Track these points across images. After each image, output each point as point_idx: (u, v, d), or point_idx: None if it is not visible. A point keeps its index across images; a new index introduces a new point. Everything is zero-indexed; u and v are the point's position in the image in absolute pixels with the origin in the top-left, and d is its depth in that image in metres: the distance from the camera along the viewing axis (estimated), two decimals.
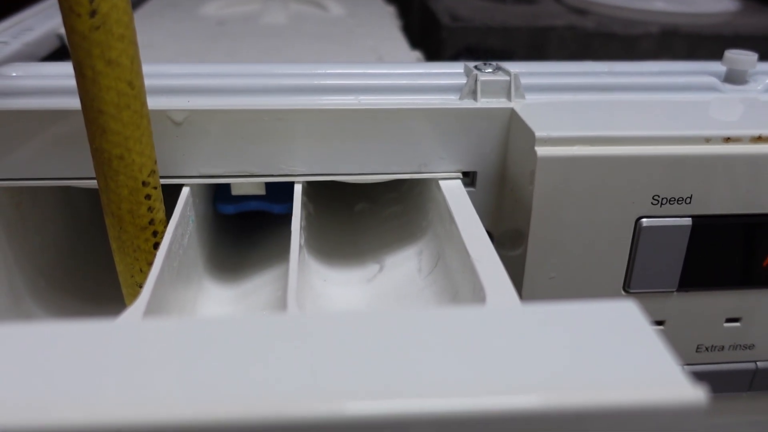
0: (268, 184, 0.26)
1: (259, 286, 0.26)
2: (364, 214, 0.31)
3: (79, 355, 0.13)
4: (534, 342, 0.14)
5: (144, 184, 0.20)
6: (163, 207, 0.22)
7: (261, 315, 0.16)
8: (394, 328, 0.14)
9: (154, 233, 0.21)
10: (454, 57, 0.46)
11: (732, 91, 0.26)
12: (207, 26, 0.41)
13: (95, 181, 0.24)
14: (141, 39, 0.38)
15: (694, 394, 0.12)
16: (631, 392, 0.12)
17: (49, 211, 0.28)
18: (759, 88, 0.26)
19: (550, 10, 0.51)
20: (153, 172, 0.21)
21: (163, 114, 0.23)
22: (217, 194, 0.28)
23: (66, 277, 0.28)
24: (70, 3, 0.17)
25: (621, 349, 0.13)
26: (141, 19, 0.43)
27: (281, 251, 0.28)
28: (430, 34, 0.52)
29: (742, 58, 0.26)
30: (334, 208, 0.32)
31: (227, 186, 0.27)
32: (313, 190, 0.30)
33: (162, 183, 0.23)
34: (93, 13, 0.18)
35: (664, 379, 0.12)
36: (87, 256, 0.30)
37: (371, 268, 0.27)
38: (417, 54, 0.37)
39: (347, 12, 0.46)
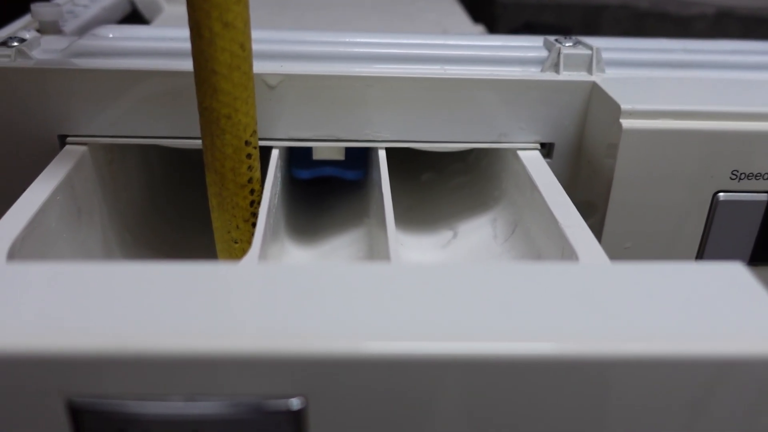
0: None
1: (336, 248, 0.27)
2: (430, 184, 0.32)
3: (207, 292, 0.14)
4: (643, 297, 0.14)
5: (246, 143, 0.21)
6: (259, 166, 0.23)
7: (370, 264, 0.17)
8: (499, 279, 0.15)
9: (252, 191, 0.22)
10: (510, 33, 0.46)
11: None
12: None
13: (185, 140, 0.25)
14: None
15: None
16: (745, 344, 0.13)
17: (133, 171, 0.29)
18: None
19: None
20: (254, 132, 0.22)
21: (259, 78, 0.24)
22: (293, 160, 0.29)
23: (147, 233, 0.29)
24: None
25: (734, 305, 0.14)
26: None
27: (354, 216, 0.29)
28: (481, 12, 0.52)
29: None
30: (401, 178, 0.33)
31: (302, 152, 0.28)
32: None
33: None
34: None
35: None
36: (162, 215, 0.31)
37: (445, 235, 0.28)
38: (480, 28, 0.38)
39: None
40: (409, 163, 0.33)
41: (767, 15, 0.47)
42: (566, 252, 0.20)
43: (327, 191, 0.32)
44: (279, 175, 0.25)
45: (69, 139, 0.25)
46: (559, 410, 0.13)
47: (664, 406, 0.13)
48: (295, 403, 0.13)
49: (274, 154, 0.25)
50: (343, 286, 0.14)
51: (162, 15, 0.37)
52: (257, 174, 0.22)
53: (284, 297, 0.14)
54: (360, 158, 0.30)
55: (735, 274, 0.15)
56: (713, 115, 0.22)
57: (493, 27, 0.44)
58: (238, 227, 0.23)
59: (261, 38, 0.25)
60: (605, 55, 0.26)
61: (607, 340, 0.13)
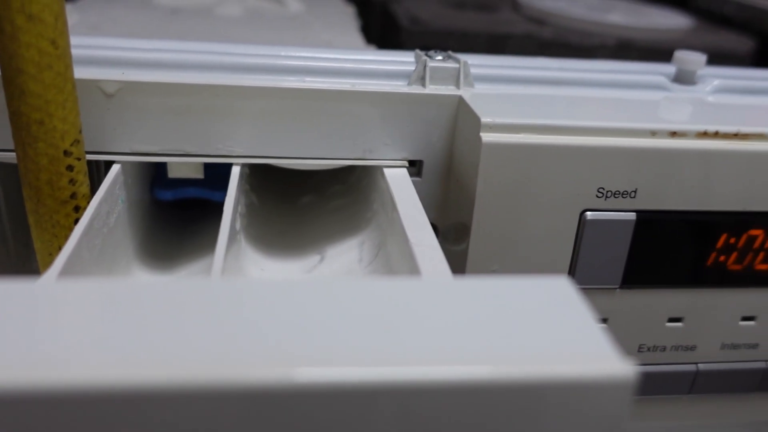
0: (209, 171, 0.25)
1: (193, 273, 0.25)
2: (310, 207, 0.30)
3: None
4: (464, 313, 0.13)
5: (66, 153, 0.19)
6: (88, 181, 0.20)
7: (180, 279, 0.15)
8: (318, 297, 0.13)
9: (76, 208, 0.20)
10: None
11: (680, 91, 0.26)
12: (159, 14, 0.40)
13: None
14: (87, 21, 0.36)
15: (623, 368, 0.11)
16: (559, 366, 0.11)
17: None
18: (707, 89, 0.26)
19: (509, 18, 0.51)
20: (77, 141, 0.19)
21: (94, 84, 0.21)
22: (156, 180, 0.27)
23: None
24: None
25: (552, 322, 0.13)
26: (92, 2, 0.41)
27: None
28: (389, 37, 0.51)
29: (691, 58, 0.26)
30: (281, 201, 0.31)
31: (165, 170, 0.26)
32: (258, 181, 0.29)
33: (92, 158, 0.22)
34: None
35: (593, 354, 0.12)
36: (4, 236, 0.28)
37: (312, 259, 0.26)
38: (372, 49, 0.36)
39: (305, 9, 0.45)
40: (290, 185, 0.32)
41: (664, 47, 0.47)
42: (412, 271, 0.18)
43: (196, 215, 0.30)
44: (121, 193, 0.23)
45: None
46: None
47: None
48: None
49: (114, 168, 0.22)
50: (136, 306, 0.12)
51: None
52: (84, 189, 0.20)
53: (70, 321, 0.12)
54: (228, 178, 0.28)
55: (560, 289, 0.13)
56: (577, 130, 0.21)
57: None
58: (60, 249, 0.20)
59: (102, 45, 0.23)
60: (479, 71, 0.25)
61: (393, 362, 0.11)
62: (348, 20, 0.44)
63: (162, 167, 0.25)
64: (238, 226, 0.24)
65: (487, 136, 0.21)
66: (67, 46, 0.18)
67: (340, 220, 0.28)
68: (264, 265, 0.25)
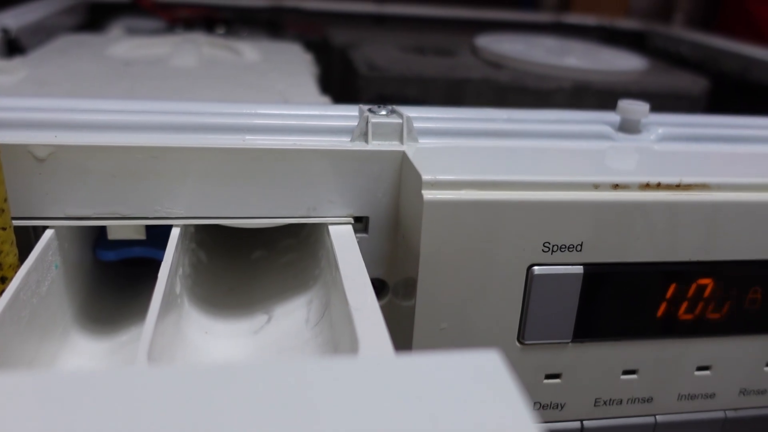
0: (153, 230, 0.24)
1: (135, 337, 0.24)
2: (261, 263, 0.29)
3: None
4: (395, 394, 0.12)
5: None
6: (15, 250, 0.20)
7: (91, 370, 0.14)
8: (241, 383, 0.12)
9: (2, 279, 0.19)
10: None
11: (625, 140, 0.26)
12: (112, 66, 0.40)
13: None
14: (36, 75, 0.36)
15: None
16: None
17: None
18: (651, 137, 0.26)
19: (467, 63, 0.52)
20: (2, 210, 0.19)
21: (24, 149, 0.21)
22: (98, 240, 0.26)
23: None
24: None
25: (479, 401, 0.12)
26: (43, 56, 0.41)
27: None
28: (348, 83, 0.52)
29: (634, 107, 0.26)
30: (231, 256, 0.30)
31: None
32: (208, 236, 0.29)
33: (22, 224, 0.21)
34: None
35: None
36: None
37: (260, 319, 0.25)
38: (326, 99, 0.36)
39: (262, 58, 0.45)
40: (240, 240, 0.31)
41: (620, 89, 0.48)
42: (352, 340, 0.18)
43: (143, 274, 0.29)
44: (55, 258, 0.22)
45: None
46: None
47: None
48: None
49: (47, 234, 0.22)
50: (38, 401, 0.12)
51: None
52: (10, 259, 0.19)
53: None
54: None
55: (488, 363, 0.13)
56: (521, 185, 0.21)
57: (356, 100, 0.43)
58: None
59: (33, 106, 0.22)
60: (423, 124, 0.25)
61: None
62: (304, 69, 0.44)
63: (104, 227, 0.25)
64: (179, 289, 0.23)
65: (428, 194, 0.21)
66: None
67: (289, 276, 0.27)
68: (209, 327, 0.24)
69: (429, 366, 0.13)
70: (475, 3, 0.76)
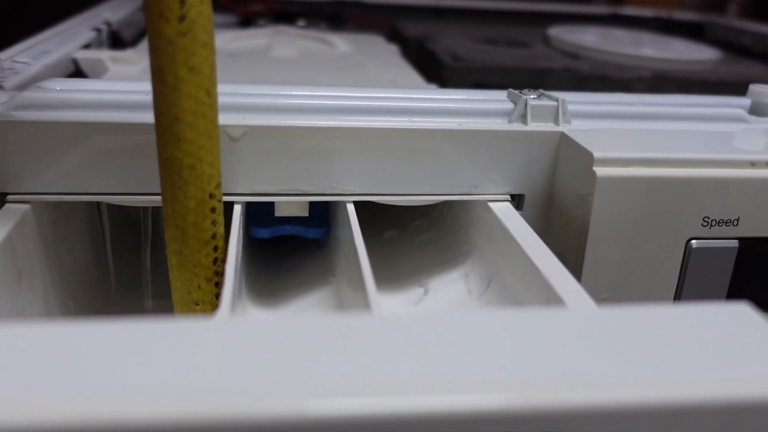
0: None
1: (301, 309, 0.26)
2: (394, 242, 0.31)
3: (180, 351, 0.13)
4: (655, 341, 0.14)
5: (211, 196, 0.20)
6: (223, 221, 0.21)
7: (358, 316, 0.15)
8: (488, 326, 0.14)
9: (215, 248, 0.21)
10: None
11: (759, 123, 0.27)
12: (219, 57, 0.41)
13: (139, 197, 0.23)
14: None
15: None
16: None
17: (79, 232, 0.27)
18: None
19: (544, 53, 0.53)
20: (219, 184, 0.20)
21: (222, 130, 0.22)
22: (251, 219, 0.28)
23: (93, 301, 0.27)
24: (161, 8, 0.17)
25: (741, 347, 0.13)
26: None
27: (318, 276, 0.28)
28: (430, 74, 0.53)
29: (766, 91, 0.27)
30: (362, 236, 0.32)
31: (261, 210, 0.27)
32: None
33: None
34: (182, 19, 0.18)
35: None
36: (110, 281, 0.29)
37: (416, 292, 0.26)
38: (434, 86, 0.38)
39: (353, 49, 0.47)
40: (368, 222, 0.32)
41: (699, 78, 0.49)
42: (552, 300, 0.19)
43: (286, 251, 0.30)
44: (242, 232, 0.23)
45: (9, 197, 0.23)
46: None
47: None
48: None
49: (237, 209, 0.23)
50: (333, 340, 0.13)
51: (107, 75, 0.36)
52: (221, 230, 0.21)
53: (267, 354, 0.13)
54: (322, 216, 0.28)
55: (742, 315, 0.14)
56: (683, 162, 0.23)
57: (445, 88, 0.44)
58: (199, 287, 0.21)
59: (221, 91, 0.24)
60: (570, 108, 0.26)
61: (615, 388, 0.12)
62: (397, 58, 0.45)
63: (256, 205, 0.26)
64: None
65: (600, 170, 0.22)
66: (217, 95, 0.19)
67: (431, 253, 0.29)
68: None
69: (673, 316, 0.15)
70: None
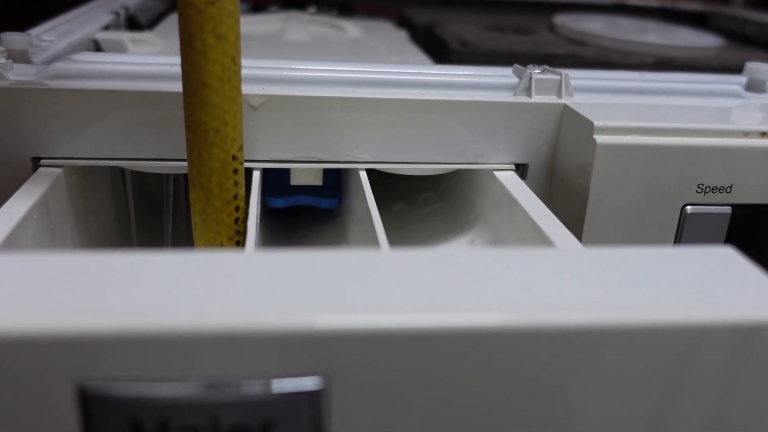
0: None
1: None
2: (403, 214, 0.32)
3: (216, 275, 0.14)
4: (648, 272, 0.15)
5: (234, 158, 0.21)
6: (244, 184, 0.23)
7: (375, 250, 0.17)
8: (489, 261, 0.15)
9: (237, 208, 0.22)
10: None
11: (754, 98, 0.29)
12: None
13: (164, 162, 0.25)
14: (174, 47, 0.39)
15: None
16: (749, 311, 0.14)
17: (104, 200, 0.28)
18: None
19: (550, 40, 0.54)
20: (241, 147, 0.22)
21: (243, 99, 0.24)
22: (267, 189, 0.29)
23: None
24: None
25: (725, 278, 0.15)
26: (167, 29, 0.44)
27: (330, 244, 0.29)
28: (438, 59, 0.54)
29: (762, 68, 0.29)
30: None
31: (277, 180, 0.28)
32: None
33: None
34: None
35: None
36: (135, 244, 0.30)
37: None
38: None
39: (364, 34, 0.48)
40: (377, 196, 0.34)
41: (701, 63, 0.50)
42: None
43: (300, 221, 0.32)
44: (260, 197, 0.25)
45: (43, 161, 0.24)
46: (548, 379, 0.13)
47: (645, 374, 0.14)
48: (315, 382, 0.12)
49: (256, 175, 0.25)
50: (350, 269, 0.14)
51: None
52: (242, 191, 0.22)
53: (295, 279, 0.14)
54: (335, 187, 0.30)
55: (726, 256, 0.16)
56: (679, 132, 0.24)
57: None
58: (222, 245, 0.22)
59: (242, 64, 0.25)
60: (574, 82, 0.27)
61: (601, 310, 0.13)
62: (406, 43, 0.47)
63: (271, 176, 0.27)
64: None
65: (600, 138, 0.23)
66: (240, 62, 0.21)
67: (438, 223, 0.30)
68: None
69: (666, 254, 0.16)
70: None
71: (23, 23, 0.36)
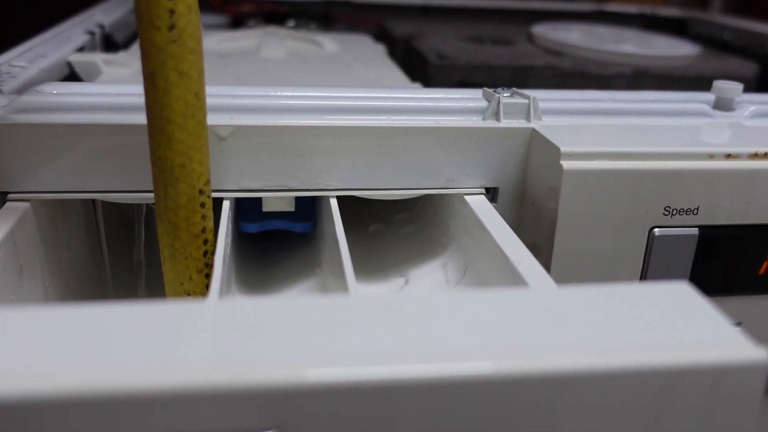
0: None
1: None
2: (378, 235, 0.32)
3: (172, 329, 0.14)
4: (593, 315, 0.15)
5: (200, 192, 0.21)
6: (212, 216, 0.23)
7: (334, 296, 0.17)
8: (455, 304, 0.15)
9: (205, 241, 0.22)
10: None
11: (721, 117, 0.29)
12: (209, 58, 0.43)
13: (132, 194, 0.25)
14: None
15: (757, 353, 0.14)
16: (701, 353, 0.14)
17: (76, 229, 0.28)
18: (745, 114, 0.29)
19: (528, 51, 0.54)
20: (208, 181, 0.22)
21: (210, 130, 0.24)
22: (240, 214, 0.29)
23: (89, 294, 0.28)
24: (152, 17, 0.19)
25: (681, 319, 0.15)
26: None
27: (304, 268, 0.29)
28: (416, 72, 0.54)
29: (729, 86, 0.29)
30: (348, 229, 0.33)
31: (250, 205, 0.28)
32: None
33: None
34: (171, 27, 0.19)
35: (727, 342, 0.14)
36: (106, 274, 0.30)
37: (397, 282, 0.28)
38: (417, 85, 0.39)
39: (341, 49, 0.48)
40: (354, 216, 0.34)
41: (678, 74, 0.51)
42: (518, 283, 0.20)
43: (275, 244, 0.32)
44: (231, 226, 0.25)
45: (10, 196, 0.24)
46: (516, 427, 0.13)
47: (621, 418, 0.14)
48: None
49: (226, 205, 0.25)
50: (310, 317, 0.15)
51: (101, 77, 0.37)
52: (210, 224, 0.22)
53: (253, 330, 0.14)
54: (308, 210, 0.30)
55: (680, 292, 0.16)
56: (645, 156, 0.24)
57: (429, 87, 0.46)
58: (191, 278, 0.22)
59: (209, 92, 0.25)
60: (541, 105, 0.27)
61: (561, 356, 0.13)
62: (383, 58, 0.47)
63: (245, 201, 0.27)
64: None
65: (567, 164, 0.23)
66: (205, 97, 0.21)
67: (412, 245, 0.30)
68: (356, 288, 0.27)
69: (623, 292, 0.16)
70: None
71: None
